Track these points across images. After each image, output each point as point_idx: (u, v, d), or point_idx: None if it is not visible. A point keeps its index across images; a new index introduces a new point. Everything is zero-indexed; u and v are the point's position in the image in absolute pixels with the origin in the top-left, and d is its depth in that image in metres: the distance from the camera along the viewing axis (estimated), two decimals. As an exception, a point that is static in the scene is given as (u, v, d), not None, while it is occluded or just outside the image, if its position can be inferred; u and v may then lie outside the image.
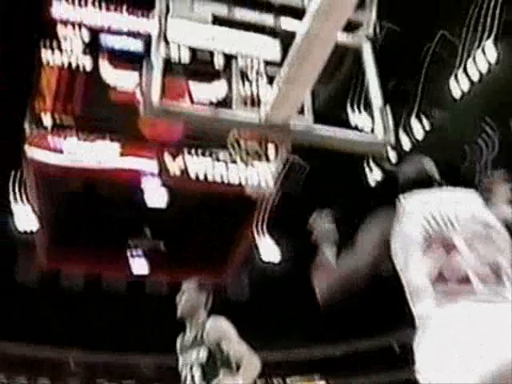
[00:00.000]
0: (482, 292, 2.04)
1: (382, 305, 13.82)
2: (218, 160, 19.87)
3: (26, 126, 18.71)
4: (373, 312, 15.10)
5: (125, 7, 20.24)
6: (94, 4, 20.07)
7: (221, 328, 3.83)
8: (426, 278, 2.10)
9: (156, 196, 19.81)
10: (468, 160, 15.42)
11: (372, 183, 18.11)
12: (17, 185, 19.33)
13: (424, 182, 2.52)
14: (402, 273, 2.21)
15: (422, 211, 2.27)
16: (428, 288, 2.10)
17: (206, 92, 19.22)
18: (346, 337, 16.51)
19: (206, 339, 3.78)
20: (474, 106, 15.00)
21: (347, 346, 16.72)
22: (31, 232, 18.93)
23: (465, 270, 2.08)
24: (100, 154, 19.18)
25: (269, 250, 21.17)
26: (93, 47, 20.02)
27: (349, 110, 17.26)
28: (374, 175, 18.17)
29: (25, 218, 19.02)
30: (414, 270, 2.16)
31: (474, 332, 1.94)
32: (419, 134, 16.86)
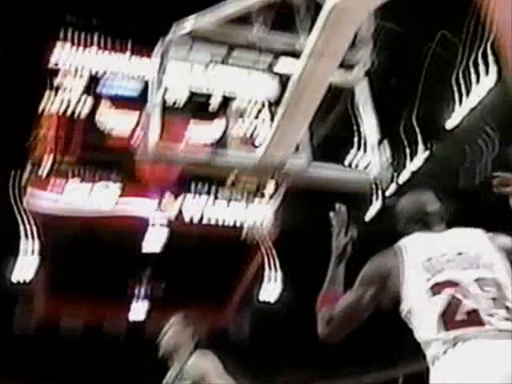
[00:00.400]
0: (490, 329, 2.05)
1: (386, 338, 13.69)
2: (218, 198, 19.94)
3: (26, 171, 18.77)
4: (377, 345, 14.93)
5: (129, 45, 20.52)
6: (99, 44, 20.40)
7: (203, 364, 3.76)
8: (435, 322, 2.12)
9: (156, 239, 19.77)
10: (468, 161, 15.37)
11: (367, 218, 18.08)
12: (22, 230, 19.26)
13: (422, 219, 2.52)
14: (411, 317, 2.23)
15: (424, 257, 2.27)
16: (438, 330, 2.10)
17: (204, 132, 19.37)
18: (351, 372, 16.28)
19: (189, 374, 3.75)
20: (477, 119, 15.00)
21: (352, 381, 16.50)
22: (25, 282, 18.77)
23: (472, 309, 2.10)
24: (100, 198, 19.20)
25: (270, 290, 21.05)
26: (93, 91, 20.25)
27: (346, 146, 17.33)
28: (371, 210, 18.16)
29: (26, 262, 18.88)
30: (423, 314, 2.17)
31: (487, 370, 1.96)
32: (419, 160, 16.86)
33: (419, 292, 2.20)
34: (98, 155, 19.27)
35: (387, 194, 17.32)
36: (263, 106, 19.74)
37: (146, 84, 18.68)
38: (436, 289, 2.17)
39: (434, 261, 2.25)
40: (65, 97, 19.75)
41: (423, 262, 2.25)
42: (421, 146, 16.81)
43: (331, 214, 2.58)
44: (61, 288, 18.69)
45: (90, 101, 20.04)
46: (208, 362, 3.77)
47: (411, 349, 2.26)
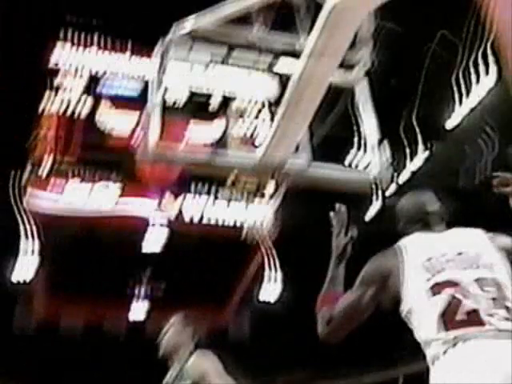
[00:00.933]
0: (490, 329, 2.05)
1: (386, 338, 13.69)
2: (218, 198, 19.94)
3: (26, 171, 18.77)
4: (377, 345, 14.93)
5: (129, 45, 20.53)
6: (99, 44, 20.40)
7: (203, 364, 3.76)
8: (435, 322, 2.12)
9: (156, 239, 19.76)
10: (468, 161, 15.37)
11: (367, 218, 18.07)
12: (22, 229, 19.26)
13: (422, 219, 2.53)
14: (411, 317, 2.23)
15: (424, 257, 2.27)
16: (438, 330, 2.10)
17: (204, 132, 19.38)
18: (351, 372, 16.28)
19: (189, 374, 3.75)
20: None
21: (352, 381, 16.50)
22: (25, 282, 18.76)
23: (472, 309, 2.10)
24: (100, 198, 19.20)
25: (270, 290, 21.05)
26: (93, 91, 20.26)
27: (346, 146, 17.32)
28: (371, 210, 18.16)
29: (26, 262, 18.87)
30: (423, 314, 2.17)
31: (487, 370, 1.96)
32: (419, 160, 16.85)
33: (419, 292, 2.20)
34: (98, 155, 19.26)
35: (387, 194, 17.31)
36: (263, 106, 19.74)
37: (146, 84, 18.67)
38: (436, 289, 2.17)
39: (434, 261, 2.25)
40: (65, 97, 19.74)
41: (423, 262, 2.25)
42: (421, 146, 16.81)
43: (331, 213, 2.58)
44: (61, 288, 18.69)
45: (89, 101, 20.03)
46: (208, 362, 3.77)
47: (411, 349, 2.26)
